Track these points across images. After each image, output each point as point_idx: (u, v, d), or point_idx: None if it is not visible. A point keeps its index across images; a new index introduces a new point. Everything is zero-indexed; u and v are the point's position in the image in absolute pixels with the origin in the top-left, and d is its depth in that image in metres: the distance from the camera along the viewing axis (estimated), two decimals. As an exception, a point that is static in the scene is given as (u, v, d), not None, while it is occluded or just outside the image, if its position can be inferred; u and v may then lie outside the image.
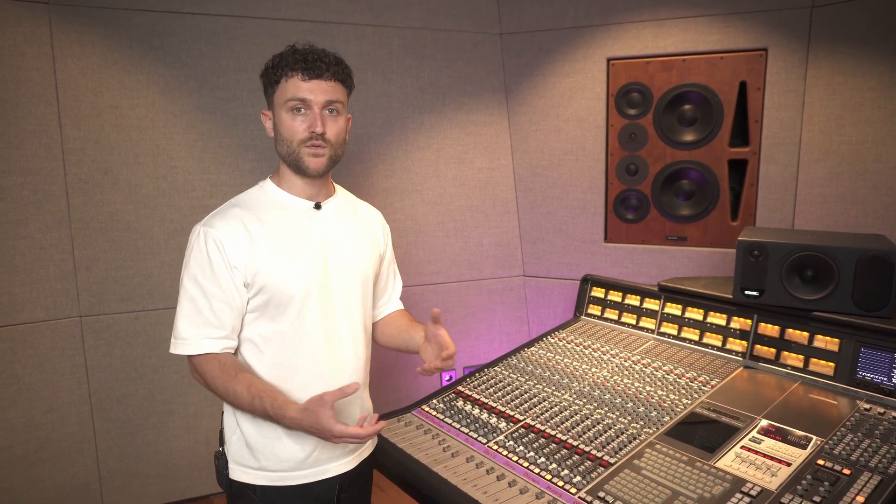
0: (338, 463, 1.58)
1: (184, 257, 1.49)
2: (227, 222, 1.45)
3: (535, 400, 2.00)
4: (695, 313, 2.28)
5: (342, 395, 1.33)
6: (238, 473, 1.53)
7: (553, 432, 1.81)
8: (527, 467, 1.66)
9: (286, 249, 1.48)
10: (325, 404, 1.31)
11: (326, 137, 1.47)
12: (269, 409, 1.37)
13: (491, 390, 2.10)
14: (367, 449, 1.68)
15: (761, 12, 2.53)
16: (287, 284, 1.46)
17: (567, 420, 1.86)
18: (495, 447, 1.77)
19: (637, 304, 2.46)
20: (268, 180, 1.58)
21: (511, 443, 1.78)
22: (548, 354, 2.31)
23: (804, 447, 1.60)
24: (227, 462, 1.54)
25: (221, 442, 1.58)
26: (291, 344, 1.49)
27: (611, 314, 2.53)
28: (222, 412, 1.58)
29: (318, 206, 1.56)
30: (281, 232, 1.49)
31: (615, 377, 2.09)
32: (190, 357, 1.46)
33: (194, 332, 1.44)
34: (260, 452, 1.50)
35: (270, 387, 1.45)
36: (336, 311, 1.55)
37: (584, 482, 1.57)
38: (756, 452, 1.60)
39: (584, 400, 1.97)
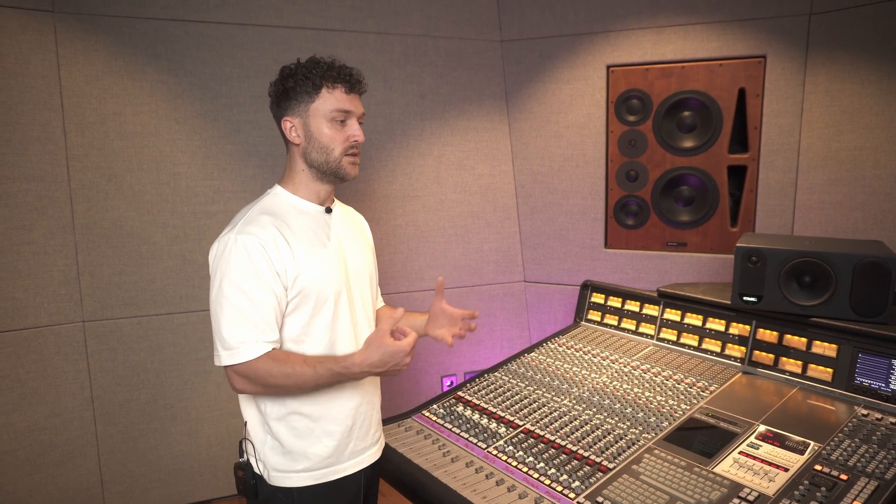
0: (366, 455, 1.63)
1: (217, 268, 1.46)
2: (264, 229, 1.47)
3: (534, 405, 2.01)
4: (694, 319, 2.29)
5: (395, 323, 1.42)
6: (279, 480, 1.54)
7: (552, 437, 1.81)
8: (526, 472, 1.67)
9: (317, 252, 1.53)
10: (384, 333, 1.39)
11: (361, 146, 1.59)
12: (335, 367, 1.42)
13: (491, 395, 2.11)
14: (383, 440, 1.74)
15: (760, 19, 2.55)
16: (323, 285, 1.52)
17: (566, 425, 1.87)
18: (495, 452, 1.78)
19: (637, 309, 2.47)
20: (278, 187, 1.60)
21: (511, 448, 1.79)
22: (548, 360, 2.32)
23: (802, 453, 1.61)
24: (253, 472, 1.57)
25: (242, 453, 1.60)
26: (327, 342, 1.55)
27: (610, 320, 2.54)
28: (245, 423, 1.58)
29: (328, 211, 1.63)
30: (308, 236, 1.54)
31: (615, 382, 2.10)
32: (234, 366, 1.44)
33: (244, 339, 1.43)
34: (298, 454, 1.53)
35: (321, 354, 1.51)
36: (357, 308, 1.63)
37: (583, 487, 1.58)
38: (754, 458, 1.61)
39: (584, 405, 1.98)
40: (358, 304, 1.64)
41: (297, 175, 1.57)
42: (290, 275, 1.47)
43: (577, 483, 1.59)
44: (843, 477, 1.49)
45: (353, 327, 1.60)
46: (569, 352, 2.37)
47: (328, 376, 1.44)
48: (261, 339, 1.44)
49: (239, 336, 1.43)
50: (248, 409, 1.57)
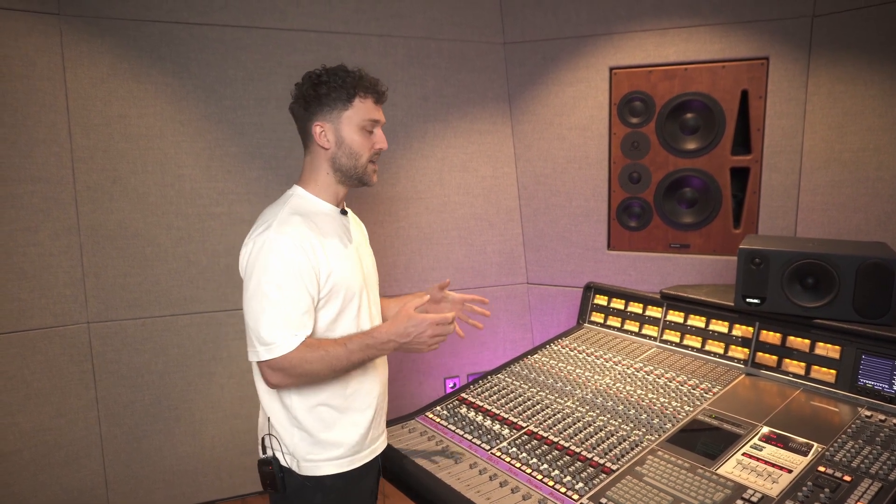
0: (379, 442, 1.72)
1: (254, 266, 1.50)
2: (298, 229, 1.53)
3: (538, 407, 2.02)
4: (697, 321, 2.29)
5: (420, 304, 1.57)
6: (309, 469, 1.59)
7: (556, 439, 1.82)
8: (530, 474, 1.67)
9: (342, 251, 1.61)
10: (411, 307, 1.52)
11: None
12: (367, 342, 1.51)
13: (494, 397, 2.12)
14: (385, 433, 1.81)
15: (762, 21, 2.55)
16: (350, 282, 1.60)
17: (570, 427, 1.87)
18: (498, 454, 1.78)
19: (640, 311, 2.47)
20: (299, 188, 1.65)
21: (514, 449, 1.79)
22: (551, 362, 2.33)
23: (805, 454, 1.61)
24: (280, 465, 1.61)
25: (264, 449, 1.63)
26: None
27: (613, 322, 2.55)
28: (268, 419, 1.61)
29: (343, 213, 1.71)
30: (333, 236, 1.61)
31: (618, 384, 2.10)
32: (270, 361, 1.49)
33: (282, 335, 1.48)
34: (328, 443, 1.59)
35: (348, 333, 1.59)
36: (372, 304, 1.73)
37: (587, 489, 1.58)
38: (757, 459, 1.61)
39: (587, 407, 1.98)
40: (374, 301, 1.75)
41: (321, 177, 1.63)
42: (324, 272, 1.54)
43: (580, 484, 1.59)
44: (847, 478, 1.49)
45: (371, 323, 1.69)
46: (572, 354, 2.38)
47: (359, 351, 1.51)
48: (296, 334, 1.50)
49: (277, 332, 1.48)
50: (273, 404, 1.61)
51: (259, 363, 1.52)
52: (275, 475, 1.61)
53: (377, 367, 1.70)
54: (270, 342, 1.48)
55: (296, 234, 1.51)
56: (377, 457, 1.72)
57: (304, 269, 1.50)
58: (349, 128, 1.60)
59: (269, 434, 1.62)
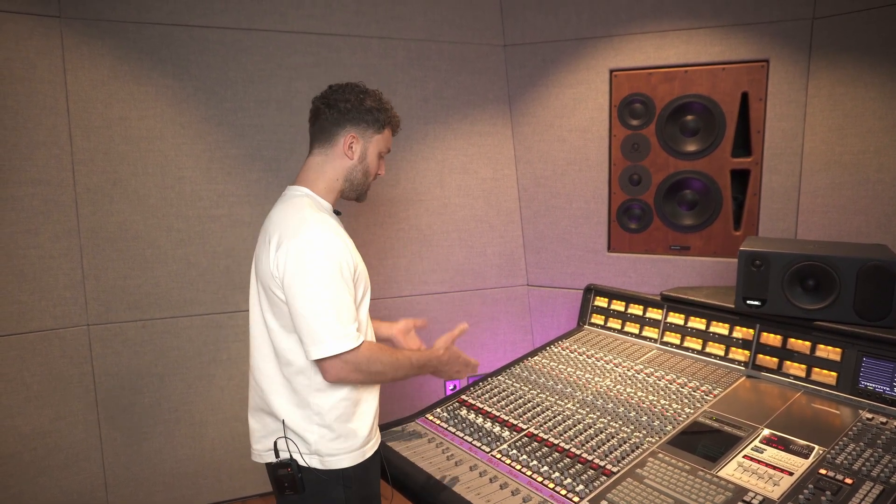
0: (376, 431, 1.77)
1: (303, 265, 1.53)
2: (332, 229, 1.59)
3: (538, 409, 2.01)
4: (697, 323, 2.29)
5: (460, 333, 1.84)
6: (333, 463, 1.61)
7: (556, 441, 1.82)
8: (530, 476, 1.67)
9: (356, 250, 1.69)
10: (451, 340, 1.79)
11: None
12: (422, 361, 1.73)
13: (494, 399, 2.12)
14: None
15: (763, 24, 2.55)
16: (369, 279, 1.72)
17: (570, 429, 1.87)
18: (499, 456, 1.78)
19: (640, 313, 2.47)
20: (307, 190, 1.69)
21: (514, 451, 1.79)
22: (551, 364, 2.33)
23: (806, 456, 1.61)
24: (299, 466, 1.62)
25: (277, 453, 1.64)
26: (369, 328, 1.73)
27: (614, 324, 2.54)
28: (282, 421, 1.62)
29: (337, 213, 1.77)
30: (346, 235, 1.69)
31: (618, 386, 2.10)
32: (343, 355, 1.53)
33: (348, 328, 1.54)
34: (348, 435, 1.62)
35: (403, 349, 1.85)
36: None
37: (587, 491, 1.58)
38: (758, 462, 1.61)
39: (587, 409, 1.98)
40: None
41: (331, 183, 1.70)
42: (353, 265, 1.62)
43: (580, 486, 1.59)
44: (848, 481, 1.49)
45: (368, 313, 1.75)
46: (572, 355, 2.37)
47: (418, 367, 1.72)
48: (355, 328, 1.56)
49: (345, 325, 1.54)
50: (289, 406, 1.62)
51: (325, 358, 1.53)
52: (294, 477, 1.62)
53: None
54: (342, 335, 1.53)
55: (335, 229, 1.59)
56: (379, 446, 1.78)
57: (348, 262, 1.58)
58: (374, 149, 1.71)
59: (285, 437, 1.63)
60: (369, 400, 1.69)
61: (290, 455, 1.62)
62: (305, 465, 1.62)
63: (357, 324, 1.58)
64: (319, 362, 1.55)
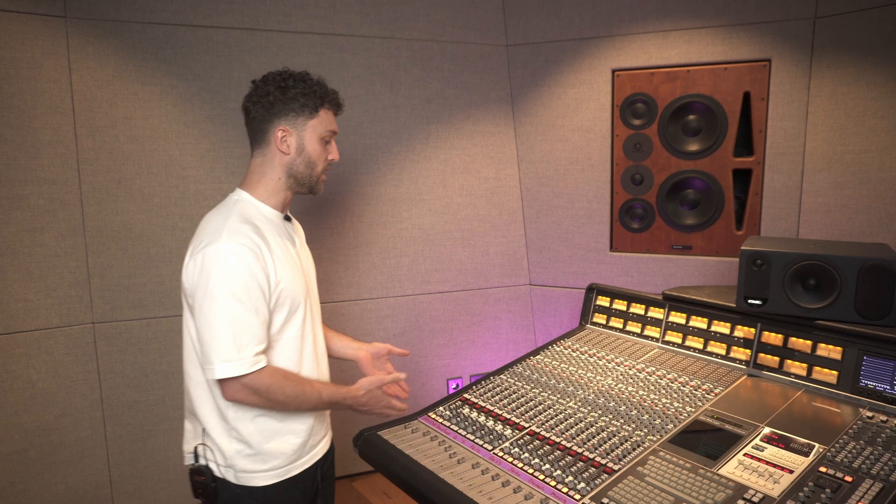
0: (319, 447, 1.72)
1: (207, 280, 1.44)
2: (250, 238, 1.49)
3: (540, 407, 2.02)
4: (699, 322, 2.29)
5: (394, 380, 1.68)
6: (246, 479, 1.56)
7: (558, 439, 1.83)
8: (532, 473, 1.68)
9: (287, 260, 1.57)
10: (381, 382, 1.64)
11: None
12: (337, 398, 1.59)
13: (497, 398, 2.13)
14: (331, 431, 1.82)
15: (765, 23, 2.56)
16: (297, 292, 1.57)
17: (572, 427, 1.88)
18: (501, 454, 1.79)
19: (642, 312, 2.48)
20: (244, 192, 1.60)
21: (516, 449, 1.80)
22: (553, 363, 2.34)
23: (807, 455, 1.61)
24: (213, 476, 1.57)
25: (196, 458, 1.59)
26: (298, 346, 1.60)
27: (616, 323, 2.55)
28: (202, 429, 1.58)
29: (287, 219, 1.67)
30: (278, 244, 1.57)
31: (620, 385, 2.11)
32: (242, 378, 1.45)
33: (248, 351, 1.45)
34: (267, 455, 1.57)
35: (319, 380, 1.66)
36: (314, 314, 1.72)
37: (588, 488, 1.59)
38: (759, 460, 1.61)
39: (589, 408, 1.99)
40: (315, 311, 1.73)
41: (271, 183, 1.60)
42: (273, 282, 1.51)
43: (582, 484, 1.60)
44: (848, 479, 1.49)
45: (313, 333, 1.66)
46: (574, 354, 2.38)
47: (328, 403, 1.59)
48: (259, 350, 1.47)
49: (241, 347, 1.44)
50: (210, 415, 1.56)
51: (224, 379, 1.46)
52: (207, 485, 1.57)
53: (316, 374, 1.68)
54: (232, 359, 1.43)
55: (248, 244, 1.47)
56: (318, 461, 1.70)
57: (260, 280, 1.47)
58: (312, 136, 1.59)
59: (204, 444, 1.58)
60: (303, 419, 1.61)
61: (207, 463, 1.57)
62: (220, 475, 1.57)
63: (261, 346, 1.47)
64: (217, 380, 1.48)
